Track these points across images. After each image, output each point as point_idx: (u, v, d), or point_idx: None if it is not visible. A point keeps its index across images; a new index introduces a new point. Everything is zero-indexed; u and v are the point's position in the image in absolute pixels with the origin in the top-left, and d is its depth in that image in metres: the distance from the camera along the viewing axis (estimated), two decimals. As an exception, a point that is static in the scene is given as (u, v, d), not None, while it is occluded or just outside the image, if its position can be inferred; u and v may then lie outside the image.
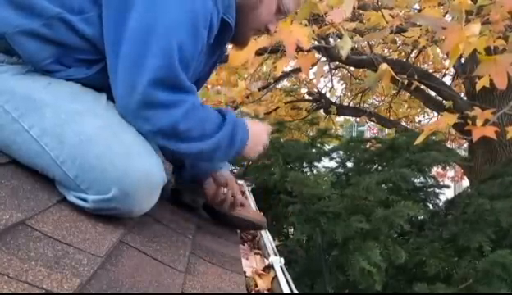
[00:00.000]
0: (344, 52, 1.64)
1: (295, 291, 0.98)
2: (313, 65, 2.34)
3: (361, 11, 3.07)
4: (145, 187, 0.83)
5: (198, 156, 0.97)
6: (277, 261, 1.09)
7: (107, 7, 0.85)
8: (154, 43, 0.82)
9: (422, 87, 3.53)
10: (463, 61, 3.41)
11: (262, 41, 1.76)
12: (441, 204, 2.63)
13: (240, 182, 2.11)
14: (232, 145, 0.99)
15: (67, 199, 0.82)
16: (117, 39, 0.83)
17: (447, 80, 4.69)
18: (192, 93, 0.91)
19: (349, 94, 5.91)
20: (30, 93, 0.84)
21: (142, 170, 0.82)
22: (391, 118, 5.29)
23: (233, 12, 1.00)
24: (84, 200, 0.81)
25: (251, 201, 1.78)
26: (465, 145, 5.39)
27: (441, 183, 2.78)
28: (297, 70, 3.91)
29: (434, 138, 2.74)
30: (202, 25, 0.88)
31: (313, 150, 2.90)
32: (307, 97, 4.66)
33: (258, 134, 1.07)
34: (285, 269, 1.07)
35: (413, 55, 4.33)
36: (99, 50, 0.88)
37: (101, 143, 0.81)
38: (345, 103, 5.59)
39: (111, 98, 0.92)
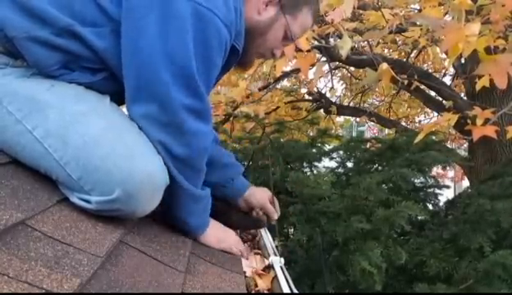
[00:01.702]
0: (344, 52, 1.64)
1: (295, 291, 0.97)
2: (312, 66, 2.34)
3: (361, 11, 3.07)
4: (148, 188, 0.84)
5: (185, 196, 0.97)
6: (277, 261, 1.08)
7: (124, 24, 0.86)
8: (171, 71, 0.84)
9: (422, 87, 3.52)
10: (463, 60, 3.41)
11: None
12: (441, 204, 2.62)
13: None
14: (205, 211, 1.04)
15: (70, 200, 0.83)
16: (135, 62, 0.85)
17: (447, 80, 4.69)
18: (209, 123, 0.95)
19: (349, 94, 5.91)
20: (34, 94, 0.84)
21: (145, 172, 0.82)
22: (391, 118, 5.28)
23: (242, 39, 1.00)
24: (88, 201, 0.81)
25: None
26: (465, 145, 5.38)
27: (441, 183, 2.78)
28: (297, 70, 3.90)
29: (434, 138, 2.74)
30: (216, 54, 0.90)
31: (313, 150, 2.89)
32: (307, 97, 4.64)
33: (224, 232, 1.12)
34: (285, 269, 1.07)
35: (413, 55, 4.33)
36: (106, 62, 0.89)
37: (105, 145, 0.81)
38: (345, 103, 5.59)
39: (113, 100, 0.92)
